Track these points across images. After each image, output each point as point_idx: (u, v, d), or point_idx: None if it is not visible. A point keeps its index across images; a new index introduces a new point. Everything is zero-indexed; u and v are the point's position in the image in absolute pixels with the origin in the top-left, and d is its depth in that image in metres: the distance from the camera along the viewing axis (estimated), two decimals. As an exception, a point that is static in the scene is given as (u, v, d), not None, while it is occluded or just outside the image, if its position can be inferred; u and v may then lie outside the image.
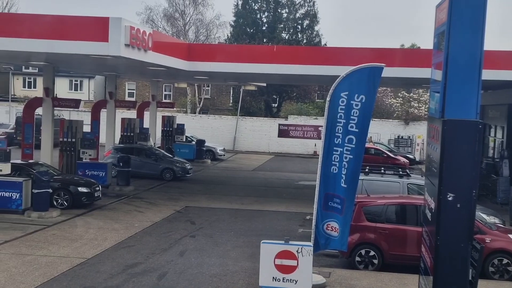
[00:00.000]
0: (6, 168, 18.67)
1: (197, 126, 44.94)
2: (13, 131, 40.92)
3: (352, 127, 11.25)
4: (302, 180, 30.68)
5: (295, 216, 20.52)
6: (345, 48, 22.73)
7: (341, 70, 11.90)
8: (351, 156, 11.18)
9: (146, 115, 36.28)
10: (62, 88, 70.86)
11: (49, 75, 24.60)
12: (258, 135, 45.39)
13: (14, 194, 18.63)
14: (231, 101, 59.86)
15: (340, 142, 11.34)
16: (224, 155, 39.97)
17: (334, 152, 11.43)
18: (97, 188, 21.01)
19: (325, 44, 52.65)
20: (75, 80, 70.64)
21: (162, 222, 18.64)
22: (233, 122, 46.29)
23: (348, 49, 22.17)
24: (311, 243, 10.63)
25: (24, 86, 71.26)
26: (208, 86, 56.47)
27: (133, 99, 59.08)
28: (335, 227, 11.27)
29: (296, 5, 53.66)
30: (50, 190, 19.04)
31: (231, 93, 61.50)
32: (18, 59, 23.18)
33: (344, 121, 11.29)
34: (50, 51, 16.43)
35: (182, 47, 22.37)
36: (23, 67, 63.73)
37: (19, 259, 13.67)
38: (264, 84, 40.70)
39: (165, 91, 60.61)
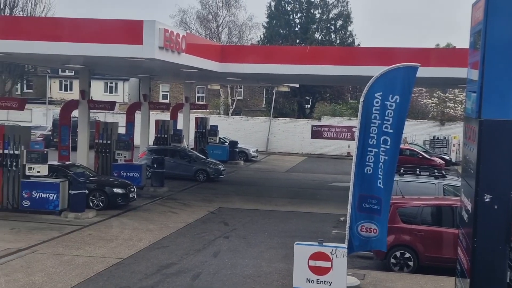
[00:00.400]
0: (43, 169, 19.03)
1: (230, 127, 45.07)
2: (50, 133, 41.65)
3: (387, 127, 11.16)
4: (336, 181, 30.53)
5: (329, 217, 20.43)
6: (379, 48, 22.53)
7: (375, 71, 11.82)
8: (386, 157, 11.09)
9: (180, 116, 36.55)
10: (97, 90, 71.97)
11: (85, 78, 25.00)
12: (291, 136, 45.31)
13: (51, 195, 18.97)
14: (264, 102, 59.88)
15: (374, 143, 11.26)
16: (257, 156, 40.02)
17: (368, 153, 11.36)
18: (132, 189, 21.25)
19: (359, 44, 52.36)
20: (110, 83, 71.62)
21: (196, 223, 18.75)
22: (266, 123, 46.31)
23: (383, 49, 21.97)
24: (345, 245, 10.57)
25: (60, 89, 72.50)
26: (241, 88, 56.65)
27: (167, 101, 59.68)
28: (370, 228, 11.19)
29: (329, 5, 53.47)
30: (86, 191, 19.33)
31: (264, 95, 61.56)
32: (56, 62, 23.59)
33: (379, 121, 11.20)
34: (86, 54, 16.69)
35: (215, 49, 22.48)
36: (60, 70, 64.89)
37: (57, 259, 13.91)
38: (297, 85, 40.62)
39: (198, 92, 61.02)
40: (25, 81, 68.63)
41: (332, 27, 53.62)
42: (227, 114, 52.31)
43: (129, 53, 16.52)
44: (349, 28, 53.41)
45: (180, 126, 35.11)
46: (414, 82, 11.55)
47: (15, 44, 16.41)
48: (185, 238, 16.60)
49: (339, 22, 53.33)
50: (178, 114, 36.79)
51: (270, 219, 19.81)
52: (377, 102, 11.25)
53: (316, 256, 10.00)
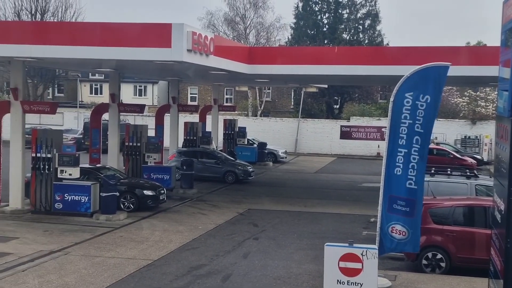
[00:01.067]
0: (75, 172, 19.30)
1: (259, 129, 45.10)
2: (81, 136, 42.20)
3: (417, 127, 11.06)
4: (366, 182, 30.33)
5: (359, 218, 20.30)
6: (409, 47, 22.29)
7: (405, 70, 11.69)
8: (417, 158, 10.99)
9: (208, 118, 36.70)
10: (127, 93, 72.71)
11: (115, 82, 25.29)
12: (320, 137, 45.17)
13: (83, 198, 19.22)
14: (292, 103, 59.80)
15: (404, 143, 11.15)
16: (285, 158, 39.96)
17: (398, 154, 11.25)
18: (162, 191, 21.42)
19: (387, 44, 51.97)
20: (139, 86, 72.32)
21: (226, 225, 18.81)
22: (294, 124, 46.24)
23: (413, 48, 21.73)
24: (376, 246, 10.49)
25: (91, 93, 73.48)
26: (269, 89, 56.68)
27: (195, 103, 60.01)
28: (401, 230, 11.08)
29: (357, 5, 53.15)
30: (117, 194, 19.54)
31: (292, 95, 61.48)
32: (88, 66, 23.86)
33: (410, 121, 11.09)
34: (116, 58, 16.89)
35: (243, 50, 22.53)
36: (90, 74, 65.77)
37: (89, 261, 14.09)
38: (326, 86, 40.50)
39: (226, 94, 61.26)
40: (56, 85, 69.66)
41: (360, 27, 53.29)
42: (255, 116, 52.36)
43: (158, 56, 16.66)
44: (378, 28, 53.04)
45: (208, 128, 35.26)
46: (445, 81, 11.40)
47: (47, 49, 16.69)
48: (215, 240, 16.66)
49: (368, 22, 52.98)
50: (207, 116, 36.96)
51: (300, 220, 19.77)
52: (407, 102, 11.14)
53: (346, 257, 9.94)
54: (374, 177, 32.01)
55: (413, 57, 20.28)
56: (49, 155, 19.29)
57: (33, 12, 52.53)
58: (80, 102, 58.68)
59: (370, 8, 52.98)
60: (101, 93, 73.96)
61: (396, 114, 11.29)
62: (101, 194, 19.22)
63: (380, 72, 22.03)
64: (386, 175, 11.36)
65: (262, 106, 54.76)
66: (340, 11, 53.58)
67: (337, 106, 54.00)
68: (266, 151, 37.99)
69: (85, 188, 19.28)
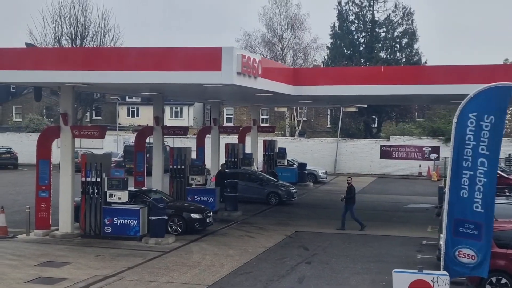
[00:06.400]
0: (124, 196, 19.36)
1: (297, 149, 44.85)
2: (121, 159, 42.58)
3: (483, 149, 10.75)
4: (411, 202, 29.79)
5: (410, 241, 19.86)
6: (458, 66, 21.90)
7: (453, 89, 11.42)
8: (484, 180, 10.66)
9: (247, 139, 36.71)
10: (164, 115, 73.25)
11: (159, 105, 25.49)
12: (359, 157, 44.73)
13: (132, 221, 19.22)
14: (328, 123, 59.53)
15: (470, 165, 10.84)
16: (326, 178, 39.62)
17: (463, 176, 10.93)
18: (209, 214, 21.33)
19: (425, 62, 51.42)
20: (176, 108, 72.97)
21: (275, 248, 18.59)
22: (332, 144, 45.92)
23: (463, 67, 21.35)
24: (446, 272, 10.15)
25: (128, 115, 74.35)
26: (305, 109, 56.52)
27: (231, 123, 60.23)
28: (469, 254, 10.73)
29: (394, 23, 52.81)
30: (166, 217, 19.51)
31: (328, 115, 61.24)
32: (135, 90, 23.90)
33: (474, 143, 10.79)
34: (166, 82, 16.96)
35: (288, 72, 22.49)
36: (127, 97, 66.55)
37: (144, 286, 14.02)
38: (365, 105, 40.17)
39: (262, 115, 61.29)
40: (93, 109, 70.69)
41: (398, 45, 52.94)
42: (292, 136, 52.19)
43: (208, 80, 16.68)
44: (415, 46, 52.59)
45: (248, 149, 35.20)
46: (508, 101, 11.11)
47: (98, 74, 16.86)
48: (266, 264, 16.46)
49: (405, 40, 52.58)
50: (246, 137, 36.94)
51: (350, 243, 19.44)
52: (471, 123, 10.85)
53: (416, 284, 9.62)
54: (419, 197, 31.57)
55: (461, 76, 20.03)
56: (98, 179, 19.40)
57: (73, 38, 53.56)
58: (118, 125, 59.36)
59: (407, 26, 52.62)
60: (138, 116, 74.80)
61: (459, 135, 11.00)
62: (149, 217, 19.20)
63: (426, 91, 21.74)
64: (450, 198, 11.04)
65: (300, 126, 54.58)
66: (377, 30, 53.34)
67: (375, 125, 53.50)
68: (306, 172, 37.70)
69: (134, 212, 19.29)
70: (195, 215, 20.73)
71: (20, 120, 71.58)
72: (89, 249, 17.92)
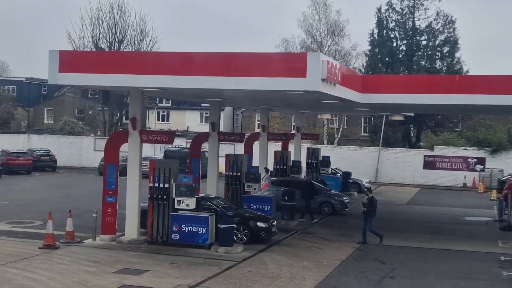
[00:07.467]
0: (192, 203, 18.92)
1: (337, 157, 44.15)
2: (161, 164, 42.18)
3: None
4: (466, 215, 29.01)
5: (486, 256, 19.19)
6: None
7: None
8: None
9: (290, 147, 36.21)
10: (193, 120, 73.35)
11: (215, 111, 25.18)
12: (402, 166, 43.95)
13: (200, 229, 18.78)
14: (362, 131, 58.87)
15: None
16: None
17: None
18: (274, 224, 20.84)
19: (467, 72, 50.51)
20: (206, 113, 72.76)
21: (350, 261, 18.03)
22: (373, 153, 45.22)
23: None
24: None
25: (158, 119, 74.20)
26: (337, 116, 55.88)
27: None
28: None
29: (435, 31, 51.92)
30: (235, 226, 19.06)
31: (362, 123, 60.57)
32: (201, 96, 23.15)
33: None
34: (250, 88, 16.51)
35: (357, 79, 21.96)
36: (157, 101, 66.39)
37: (233, 298, 13.56)
38: (412, 114, 39.51)
39: (293, 121, 60.74)
40: (124, 113, 70.75)
41: (439, 54, 52.06)
42: (331, 144, 51.60)
43: (291, 86, 16.18)
44: (457, 55, 51.69)
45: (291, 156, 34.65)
46: None
47: (185, 79, 16.46)
48: (349, 278, 15.91)
49: (446, 49, 51.71)
50: (289, 144, 36.45)
51: (426, 257, 18.80)
52: None
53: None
54: (474, 210, 30.80)
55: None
56: (166, 185, 19.00)
57: (111, 41, 53.55)
58: (148, 129, 59.14)
59: (449, 34, 51.74)
60: (168, 120, 74.71)
61: None
62: (218, 225, 18.77)
63: (497, 101, 21.10)
64: None
65: (339, 134, 53.99)
66: (417, 37, 52.58)
67: (413, 135, 52.72)
68: (350, 181, 37.07)
69: (203, 219, 18.86)
70: (261, 224, 20.26)
71: (52, 122, 71.79)
72: (160, 256, 17.50)
